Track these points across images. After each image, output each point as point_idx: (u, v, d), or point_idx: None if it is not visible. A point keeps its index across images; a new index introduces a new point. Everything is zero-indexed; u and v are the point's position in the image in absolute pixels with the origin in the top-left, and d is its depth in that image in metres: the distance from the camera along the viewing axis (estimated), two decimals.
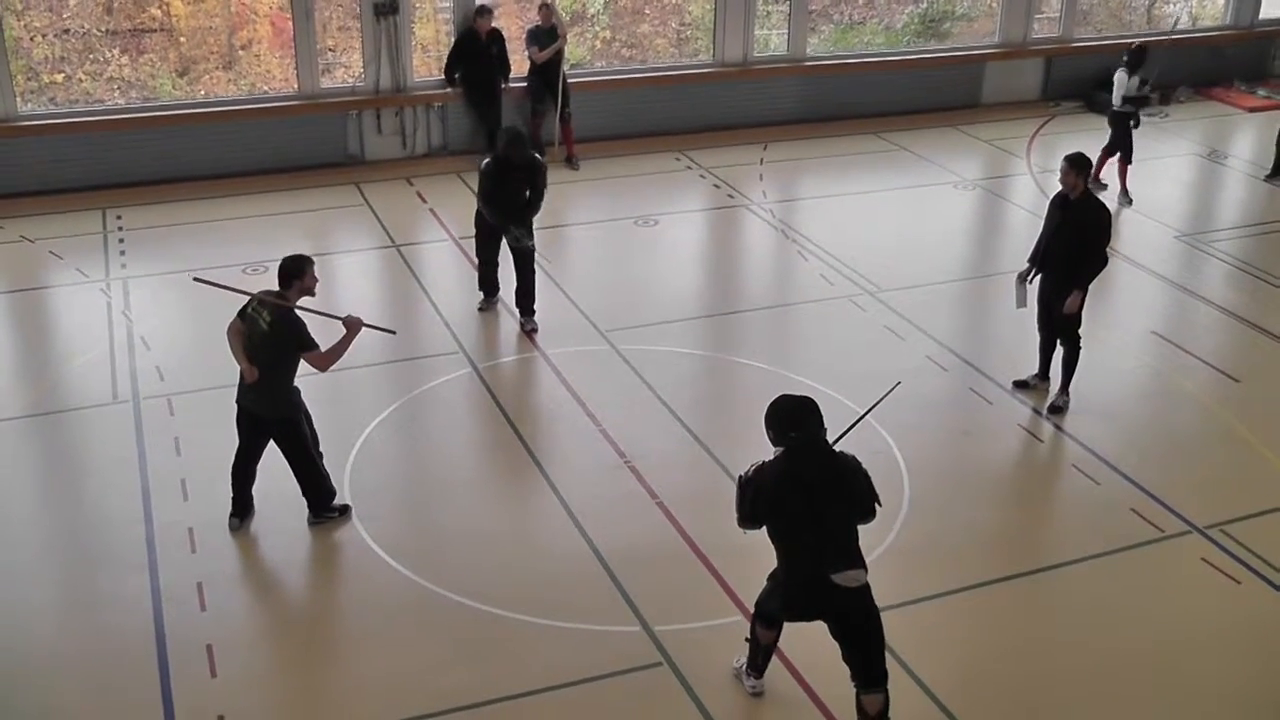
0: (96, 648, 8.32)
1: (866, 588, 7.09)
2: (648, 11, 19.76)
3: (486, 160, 12.52)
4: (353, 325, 9.24)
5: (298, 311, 9.18)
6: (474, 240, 12.98)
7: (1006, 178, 17.76)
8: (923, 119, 19.69)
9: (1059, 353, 11.28)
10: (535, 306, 12.62)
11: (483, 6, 16.76)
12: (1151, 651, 8.52)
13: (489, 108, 17.05)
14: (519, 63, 17.37)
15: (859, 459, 7.24)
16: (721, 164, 17.50)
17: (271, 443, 9.37)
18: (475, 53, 16.84)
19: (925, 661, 8.22)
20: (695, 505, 9.75)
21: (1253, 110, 20.41)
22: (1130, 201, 16.30)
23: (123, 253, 14.26)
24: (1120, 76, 15.97)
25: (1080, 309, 10.98)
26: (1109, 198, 15.87)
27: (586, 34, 19.37)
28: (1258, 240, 15.68)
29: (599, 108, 17.93)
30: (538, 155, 12.59)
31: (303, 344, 9.10)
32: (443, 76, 17.20)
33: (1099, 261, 10.95)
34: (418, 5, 17.57)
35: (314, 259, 9.33)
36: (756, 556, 8.20)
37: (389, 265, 14.22)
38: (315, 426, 9.59)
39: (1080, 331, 11.15)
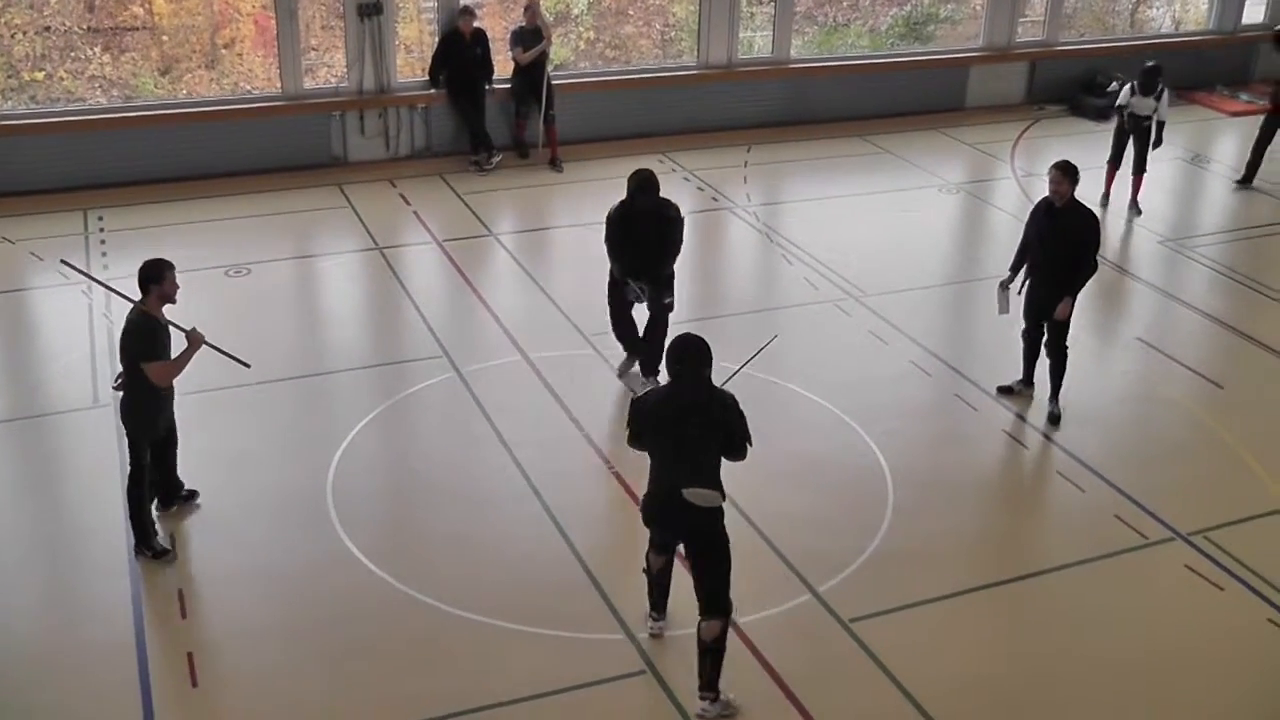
0: (76, 656, 8.26)
1: (716, 515, 7.63)
2: (632, 13, 19.73)
3: (613, 206, 11.40)
4: (194, 340, 8.94)
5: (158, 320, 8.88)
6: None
7: (991, 181, 17.79)
8: (907, 122, 19.71)
9: (1044, 361, 11.30)
10: (659, 368, 11.12)
11: (466, 7, 16.73)
12: (1135, 658, 8.54)
13: (473, 109, 17.02)
14: (503, 64, 17.33)
15: (736, 399, 7.73)
16: (705, 166, 17.48)
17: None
18: (459, 54, 16.80)
19: (910, 668, 8.22)
20: None
21: (1235, 115, 20.45)
22: (1140, 212, 16.38)
23: (104, 254, 14.17)
24: (1166, 98, 15.98)
25: (1070, 316, 10.96)
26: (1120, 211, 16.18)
27: (570, 35, 19.35)
28: (1241, 245, 15.72)
29: (583, 109, 17.89)
30: (670, 201, 11.39)
31: (141, 353, 8.74)
32: (426, 77, 17.15)
33: (1089, 269, 10.90)
34: (401, 5, 17.52)
35: (173, 264, 8.96)
36: (737, 565, 8.22)
37: (372, 268, 14.16)
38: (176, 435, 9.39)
39: (1068, 340, 11.12)
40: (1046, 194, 10.97)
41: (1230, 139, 19.23)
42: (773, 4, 19.16)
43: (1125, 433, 11.35)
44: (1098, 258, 11.03)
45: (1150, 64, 16.22)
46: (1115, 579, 9.35)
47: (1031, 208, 11.29)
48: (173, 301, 8.91)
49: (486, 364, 11.92)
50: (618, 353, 12.01)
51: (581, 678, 8.09)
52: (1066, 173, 10.78)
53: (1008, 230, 16.10)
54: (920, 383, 11.79)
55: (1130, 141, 16.23)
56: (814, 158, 18.17)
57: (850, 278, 13.89)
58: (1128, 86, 16.13)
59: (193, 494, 9.75)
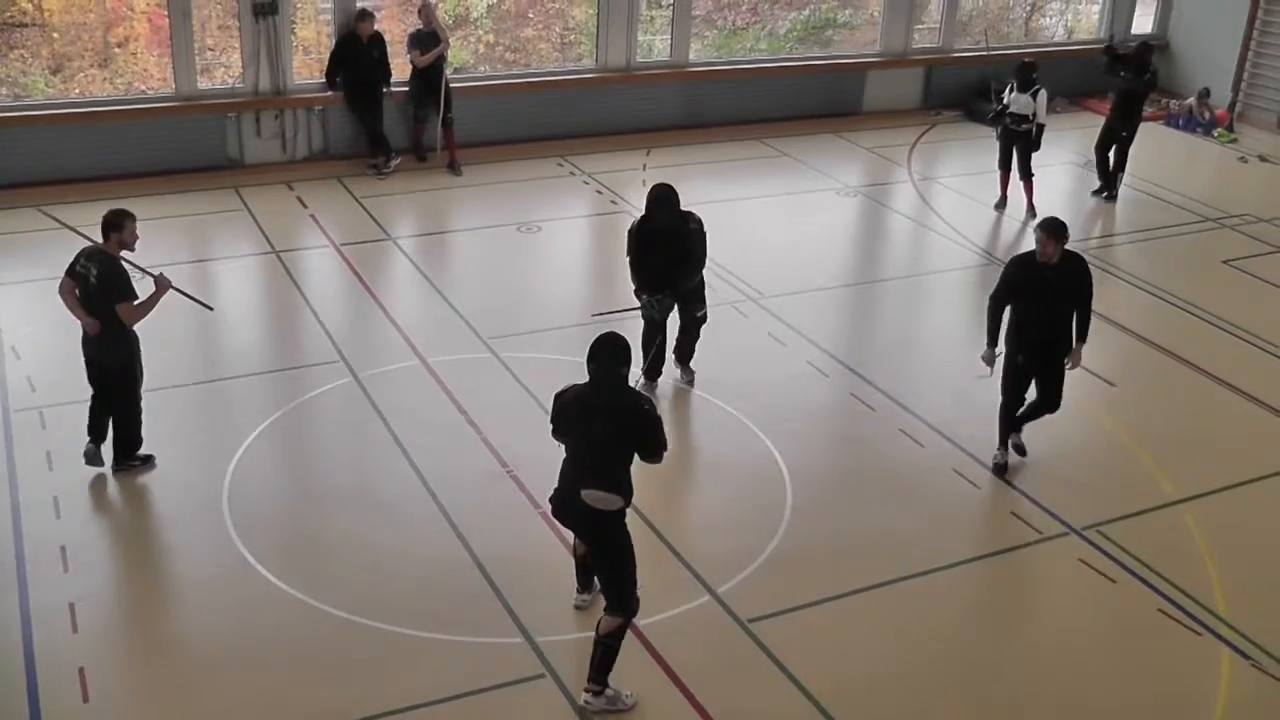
0: None
1: (615, 517, 7.71)
2: (531, 16, 19.71)
3: (633, 221, 11.32)
4: (161, 284, 9.70)
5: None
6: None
7: (888, 185, 18.01)
8: (805, 125, 19.90)
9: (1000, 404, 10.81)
10: (692, 363, 11.80)
11: (364, 10, 16.64)
12: (1030, 651, 8.73)
13: (370, 112, 16.91)
14: (401, 67, 17.23)
15: (653, 405, 7.85)
16: (604, 169, 17.52)
17: None
18: (356, 56, 16.69)
19: (807, 667, 8.30)
20: None
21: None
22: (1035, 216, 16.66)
23: None
24: (1043, 96, 16.24)
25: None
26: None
27: (470, 38, 19.28)
28: (1131, 248, 16.11)
29: (482, 113, 17.85)
30: (691, 215, 11.14)
31: (122, 294, 9.52)
32: (323, 79, 17.03)
33: (1090, 311, 10.44)
34: (299, 6, 17.37)
35: (133, 215, 9.77)
36: (639, 565, 8.26)
37: (269, 272, 14.03)
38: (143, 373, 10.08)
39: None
40: (1030, 251, 10.31)
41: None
42: (671, 7, 19.25)
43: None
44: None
45: (1026, 60, 16.55)
46: (1011, 574, 9.56)
47: (1009, 265, 10.54)
48: (130, 249, 9.68)
49: (384, 369, 11.85)
50: (514, 354, 12.02)
51: (481, 682, 8.08)
52: (1053, 234, 10.08)
53: (904, 233, 16.41)
54: (818, 384, 11.92)
55: (1014, 145, 16.50)
56: (712, 161, 18.27)
57: (748, 280, 13.99)
58: (1009, 86, 16.42)
59: (149, 458, 10.15)
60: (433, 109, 17.14)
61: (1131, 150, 17.45)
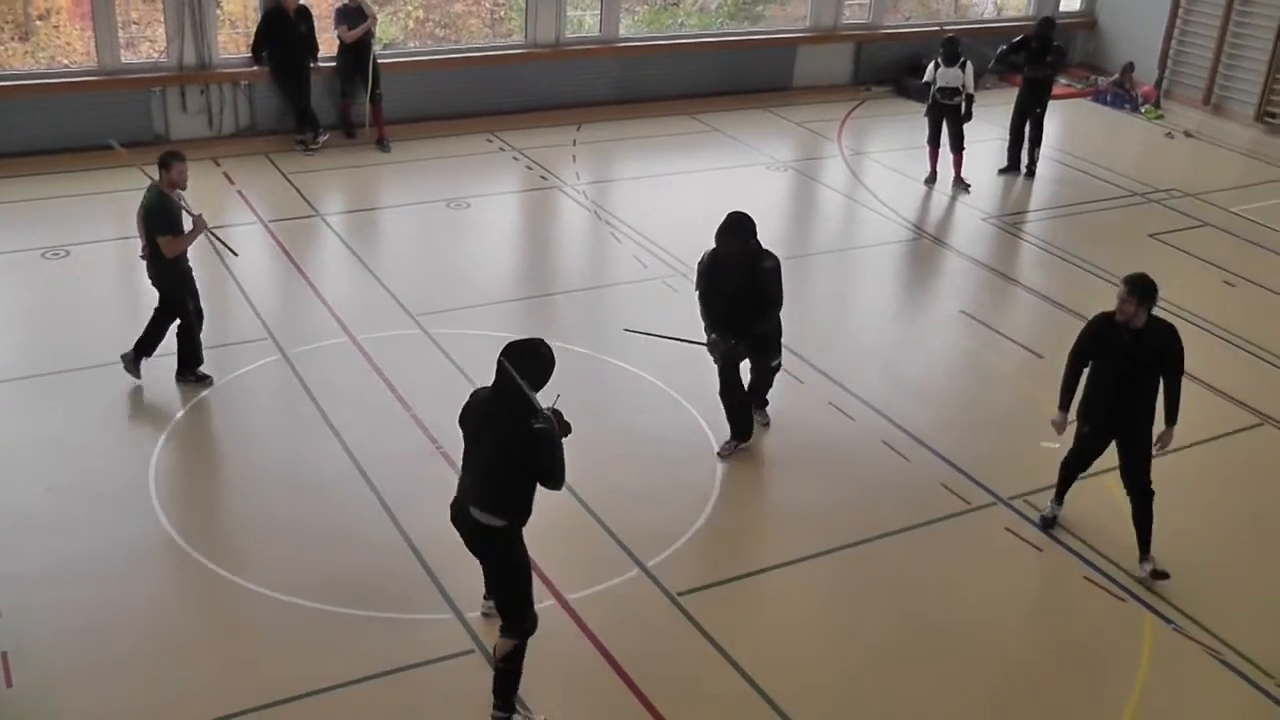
0: None
1: (500, 533, 7.29)
2: None
3: (705, 252, 10.35)
4: (199, 225, 10.66)
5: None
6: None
7: (818, 160, 18.06)
8: (735, 101, 19.92)
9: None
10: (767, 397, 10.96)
11: None
12: (959, 619, 8.83)
13: (298, 88, 16.76)
14: (329, 42, 17.06)
15: (548, 432, 7.05)
16: (534, 145, 17.45)
17: None
18: (283, 31, 16.52)
19: (738, 641, 8.35)
20: None
21: (1054, 98, 20.98)
22: (968, 188, 16.81)
23: None
24: (970, 68, 16.35)
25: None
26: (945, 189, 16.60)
27: (399, 14, 19.13)
28: (1059, 221, 16.26)
29: (411, 88, 17.72)
30: (765, 250, 10.10)
31: (157, 227, 10.42)
32: (250, 54, 16.84)
33: (1180, 384, 9.15)
34: None
35: (184, 158, 10.57)
36: (565, 541, 8.29)
37: (196, 249, 13.62)
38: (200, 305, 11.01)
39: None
40: (1110, 311, 9.14)
41: (1050, 121, 19.71)
42: None
43: (949, 403, 11.65)
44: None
45: (949, 35, 16.68)
46: (939, 544, 9.65)
47: (1087, 327, 9.39)
48: (182, 188, 10.52)
49: (313, 346, 11.76)
50: (444, 331, 11.97)
51: (411, 658, 8.07)
52: (1135, 291, 8.89)
53: (835, 208, 16.47)
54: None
55: (944, 120, 16.61)
56: (643, 136, 18.26)
57: (679, 254, 13.99)
58: (932, 63, 16.51)
59: (205, 377, 11.05)
60: (360, 85, 17.01)
61: (1060, 126, 17.62)
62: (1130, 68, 21.92)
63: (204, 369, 11.11)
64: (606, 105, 19.14)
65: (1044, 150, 17.84)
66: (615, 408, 10.94)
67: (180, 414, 10.59)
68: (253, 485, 9.94)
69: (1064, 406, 9.38)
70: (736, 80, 20.32)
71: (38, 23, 17.05)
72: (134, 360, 10.97)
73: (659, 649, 8.30)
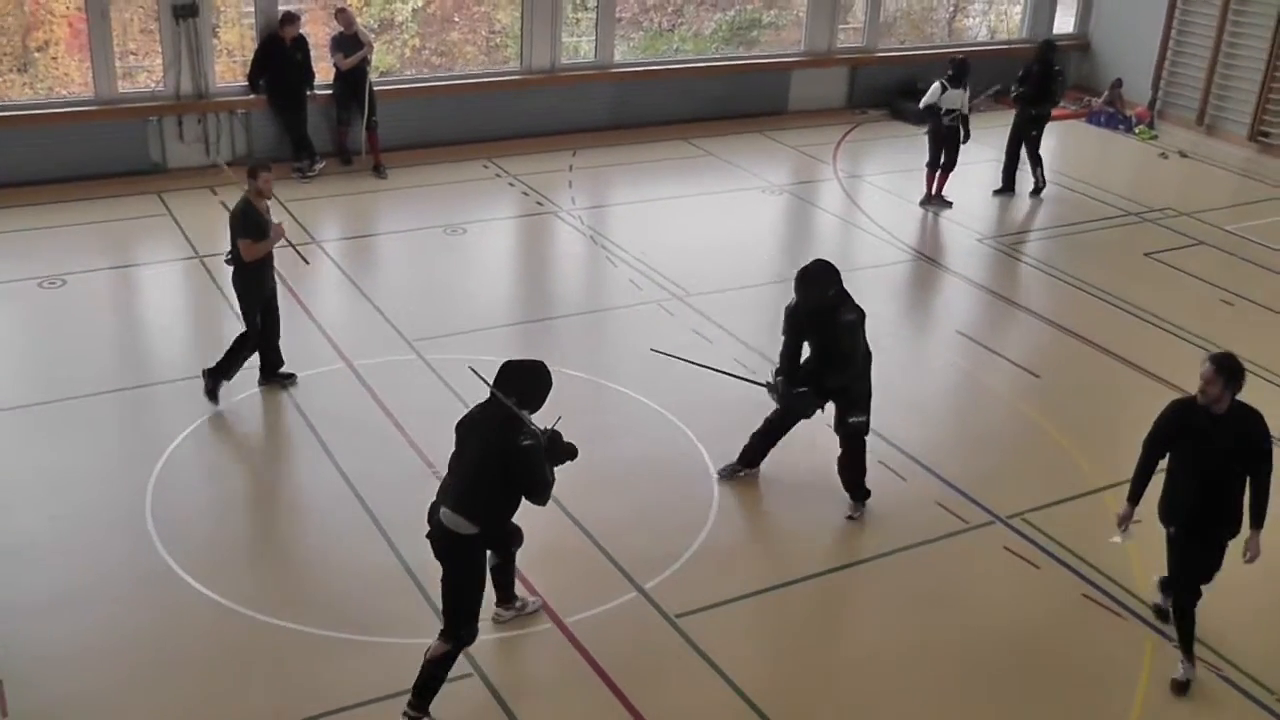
0: None
1: (461, 542, 7.48)
2: (457, 19, 19.66)
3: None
4: (277, 232, 11.03)
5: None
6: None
7: (813, 183, 18.11)
8: (730, 125, 19.98)
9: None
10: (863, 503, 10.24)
11: (288, 13, 16.53)
12: (957, 638, 8.82)
13: (295, 115, 16.81)
14: (325, 70, 17.13)
15: (533, 450, 7.31)
16: (530, 171, 17.49)
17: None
18: (280, 59, 16.58)
19: (736, 662, 8.34)
20: None
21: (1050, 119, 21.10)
22: (949, 205, 16.82)
23: None
24: (934, 87, 16.41)
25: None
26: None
27: (395, 42, 19.21)
28: (1054, 241, 16.32)
29: (408, 116, 17.77)
30: (846, 300, 9.67)
31: (238, 231, 10.82)
32: (246, 82, 16.90)
33: (1269, 483, 8.09)
34: (223, 9, 17.23)
35: (270, 168, 11.02)
36: (563, 564, 8.29)
37: (192, 277, 13.88)
38: (278, 311, 11.37)
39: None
40: (1190, 395, 8.25)
41: (1044, 142, 19.80)
42: (595, 9, 19.25)
43: (946, 422, 11.67)
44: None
45: (960, 57, 16.72)
46: (937, 563, 9.64)
47: (1164, 412, 8.42)
48: (267, 197, 10.96)
49: (309, 372, 11.74)
50: (440, 356, 11.99)
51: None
52: (1221, 371, 7.94)
53: (830, 230, 16.51)
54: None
55: (947, 142, 16.66)
56: (638, 161, 18.31)
57: (674, 278, 14.02)
58: (936, 85, 16.53)
59: (290, 376, 11.45)
60: (356, 112, 17.06)
61: (1055, 147, 17.70)
62: (1118, 84, 22.04)
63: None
64: (602, 131, 19.18)
65: (1026, 174, 17.97)
66: (612, 431, 10.94)
67: (177, 441, 10.58)
68: (250, 511, 9.95)
69: (1132, 499, 8.32)
70: (731, 105, 20.39)
71: (36, 54, 17.10)
72: (211, 380, 11.15)
73: (658, 671, 8.28)
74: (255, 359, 11.36)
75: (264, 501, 10.03)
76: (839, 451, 10.07)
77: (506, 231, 15.96)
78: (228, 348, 11.13)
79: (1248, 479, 7.99)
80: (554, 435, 7.58)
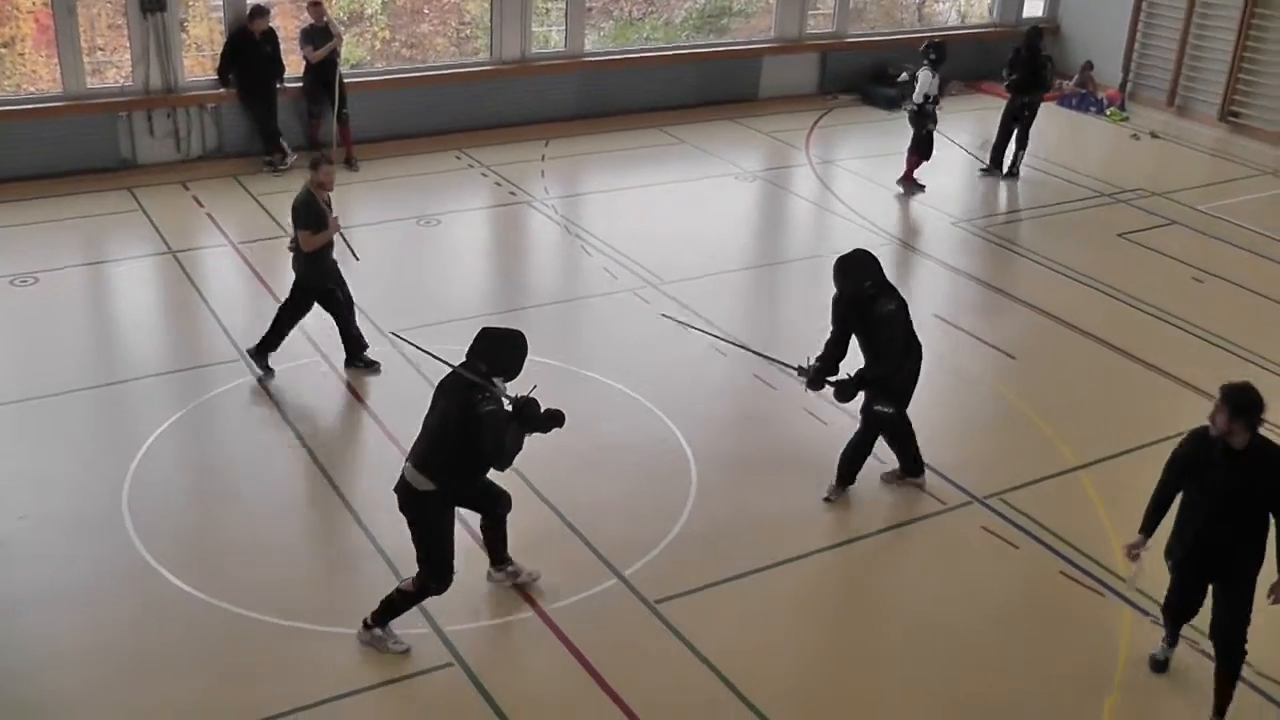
0: None
1: (422, 498, 7.85)
2: (427, 11, 19.59)
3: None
4: (332, 225, 11.27)
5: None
6: None
7: (786, 169, 18.13)
8: (702, 113, 19.99)
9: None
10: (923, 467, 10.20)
11: (257, 7, 16.45)
12: (935, 617, 8.85)
13: (265, 109, 16.74)
14: (295, 63, 17.05)
15: (495, 414, 7.63)
16: (503, 161, 17.47)
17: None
18: (249, 52, 16.50)
19: (717, 646, 8.35)
20: None
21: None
22: (921, 189, 16.83)
23: None
24: (924, 75, 16.36)
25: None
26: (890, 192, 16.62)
27: (366, 34, 19.14)
28: (1028, 223, 16.45)
29: (379, 108, 17.73)
30: (885, 289, 9.61)
31: (298, 222, 11.14)
32: (216, 76, 16.83)
33: None
34: (191, 3, 17.15)
35: (332, 161, 11.57)
36: (542, 552, 8.28)
37: (166, 273, 13.82)
38: (349, 294, 11.69)
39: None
40: (1205, 428, 7.58)
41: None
42: None
43: (923, 405, 11.56)
44: None
45: (938, 40, 16.67)
46: (916, 545, 9.70)
47: (1181, 443, 7.83)
48: (328, 190, 11.20)
49: (285, 366, 11.71)
50: (413, 350, 11.94)
51: (390, 673, 8.04)
52: (1229, 402, 7.35)
53: (804, 215, 16.54)
54: (720, 365, 11.95)
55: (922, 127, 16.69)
56: (611, 150, 18.29)
57: (649, 266, 14.02)
58: (927, 72, 16.44)
59: (373, 363, 11.66)
60: (327, 104, 16.98)
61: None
62: (1089, 66, 22.12)
63: (369, 354, 11.76)
64: (574, 120, 19.17)
65: (1010, 154, 18.01)
66: (589, 419, 10.91)
67: (153, 437, 10.53)
68: (228, 506, 9.89)
69: (1144, 530, 7.86)
70: (703, 92, 20.39)
71: (2, 51, 16.98)
72: (257, 355, 11.50)
73: (639, 657, 8.29)
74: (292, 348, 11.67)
75: (241, 495, 9.98)
76: (855, 430, 10.05)
77: (480, 222, 15.94)
78: (270, 325, 11.47)
79: (1273, 518, 7.45)
80: (528, 402, 7.83)
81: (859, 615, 8.90)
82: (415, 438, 8.00)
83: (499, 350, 7.82)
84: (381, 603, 8.14)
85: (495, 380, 7.74)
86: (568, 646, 8.27)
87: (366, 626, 8.20)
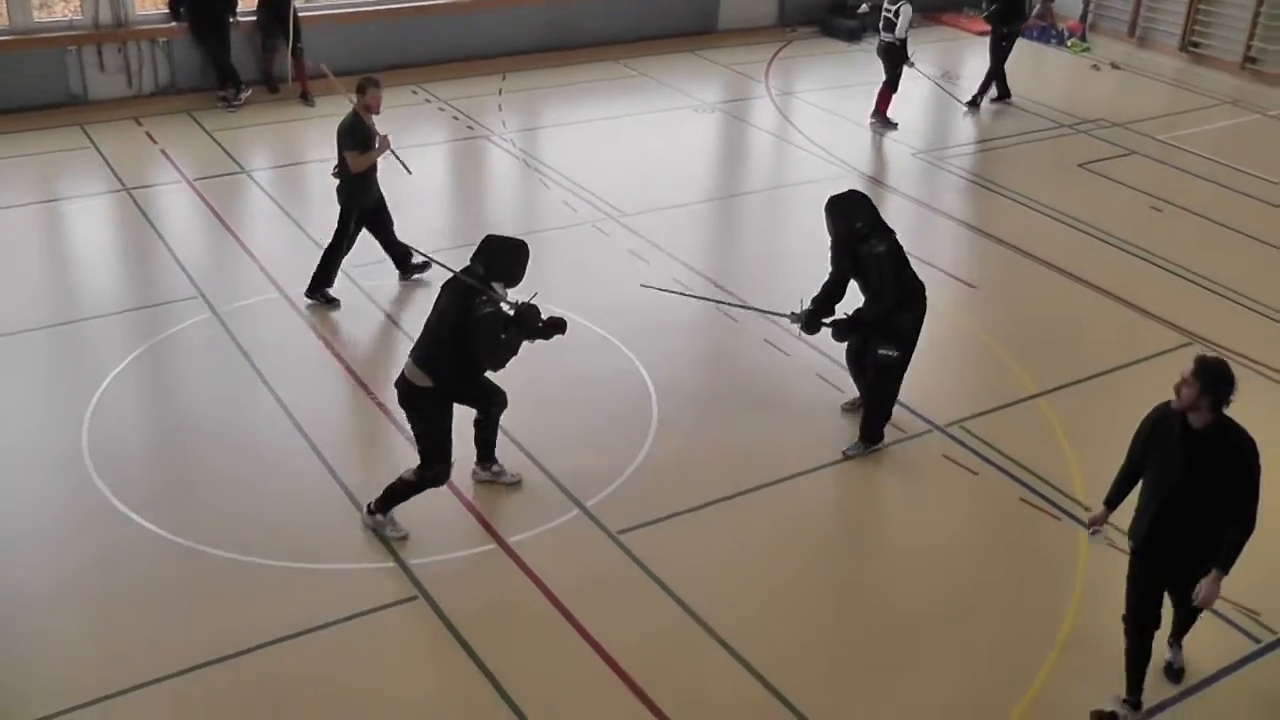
0: None
1: (421, 394, 8.25)
2: None
3: None
4: (383, 143, 11.45)
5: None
6: None
7: (746, 100, 18.04)
8: (661, 45, 19.84)
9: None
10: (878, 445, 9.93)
11: None
12: (898, 545, 8.97)
13: (218, 43, 16.51)
14: None
15: (491, 316, 8.06)
16: (460, 96, 17.31)
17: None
18: None
19: (678, 576, 8.38)
20: None
21: (980, 34, 21.02)
22: (894, 126, 16.77)
23: None
24: (906, 10, 16.26)
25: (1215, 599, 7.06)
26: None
27: None
28: (989, 155, 16.41)
29: (334, 42, 17.42)
30: (879, 232, 9.44)
31: (345, 143, 11.30)
32: (167, 9, 16.57)
33: (1249, 527, 6.85)
34: None
35: (380, 84, 11.44)
36: (505, 488, 8.25)
37: (121, 210, 13.64)
38: (389, 212, 11.90)
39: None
40: (1170, 402, 6.95)
41: (976, 57, 19.83)
42: None
43: None
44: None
45: None
46: (877, 473, 9.74)
47: (1146, 417, 7.24)
48: (375, 113, 11.38)
49: (244, 303, 11.63)
50: (375, 283, 11.92)
51: (355, 608, 8.02)
52: (1201, 375, 6.78)
53: (764, 148, 16.46)
54: (682, 298, 11.90)
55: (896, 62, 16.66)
56: (568, 83, 18.15)
57: (608, 199, 13.95)
58: (907, 7, 16.33)
59: (424, 265, 11.87)
60: (281, 39, 16.77)
61: (987, 64, 17.86)
62: None
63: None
64: (531, 54, 18.99)
65: (971, 86, 18.03)
66: (550, 352, 10.83)
67: (111, 376, 10.43)
68: (189, 444, 9.82)
69: (1108, 501, 7.43)
70: (662, 24, 20.24)
71: None
72: (314, 291, 11.63)
73: (602, 588, 8.31)
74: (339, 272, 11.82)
75: (203, 433, 9.90)
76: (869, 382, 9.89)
77: (438, 157, 15.78)
78: (318, 262, 11.61)
79: (1229, 507, 6.81)
80: (528, 308, 8.33)
81: (820, 544, 8.93)
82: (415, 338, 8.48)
83: (500, 257, 8.24)
84: (385, 490, 8.51)
85: (495, 286, 8.15)
86: (531, 578, 8.28)
87: (370, 512, 8.59)
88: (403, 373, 8.31)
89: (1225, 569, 6.85)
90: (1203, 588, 6.90)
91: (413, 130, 16.14)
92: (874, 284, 9.40)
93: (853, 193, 9.77)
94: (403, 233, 12.99)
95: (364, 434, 9.92)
